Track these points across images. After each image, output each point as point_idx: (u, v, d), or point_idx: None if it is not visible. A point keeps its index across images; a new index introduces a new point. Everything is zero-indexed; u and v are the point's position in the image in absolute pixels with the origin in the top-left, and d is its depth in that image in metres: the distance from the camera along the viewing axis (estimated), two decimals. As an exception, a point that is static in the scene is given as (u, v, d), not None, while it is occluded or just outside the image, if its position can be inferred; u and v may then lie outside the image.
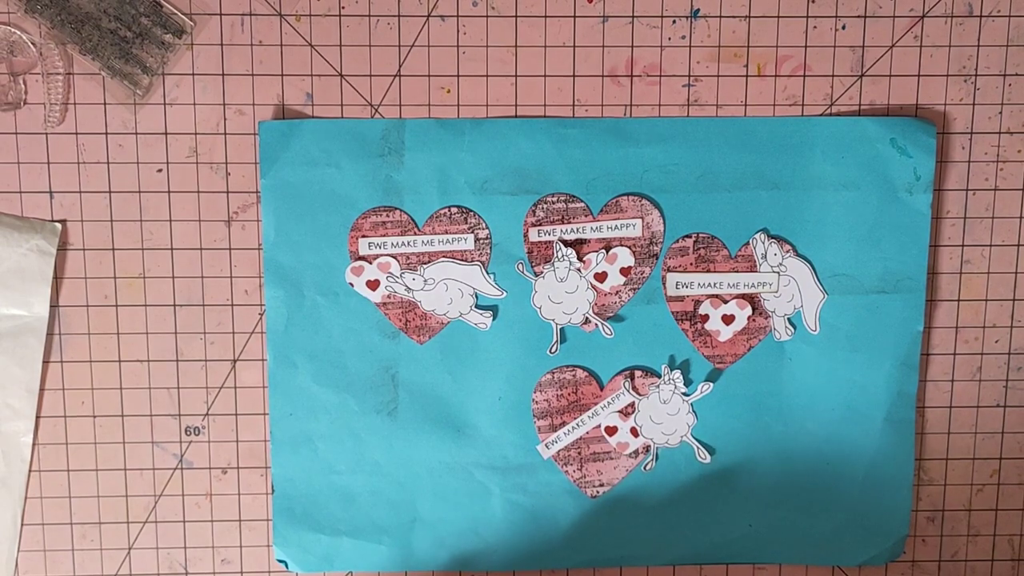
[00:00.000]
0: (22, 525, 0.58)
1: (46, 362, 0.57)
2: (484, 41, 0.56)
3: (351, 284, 0.57)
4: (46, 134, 0.55)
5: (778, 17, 0.56)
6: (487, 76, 0.56)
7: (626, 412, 0.58)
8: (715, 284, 0.57)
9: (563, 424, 0.58)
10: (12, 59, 0.55)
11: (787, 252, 0.57)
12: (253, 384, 0.58)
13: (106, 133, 0.56)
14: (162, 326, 0.57)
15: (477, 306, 0.57)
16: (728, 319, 0.57)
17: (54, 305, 0.57)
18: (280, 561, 0.59)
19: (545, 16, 0.56)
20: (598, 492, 0.59)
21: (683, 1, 0.56)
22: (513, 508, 0.59)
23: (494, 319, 0.57)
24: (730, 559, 0.60)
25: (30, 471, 0.58)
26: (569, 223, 0.56)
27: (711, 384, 0.58)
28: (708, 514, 0.60)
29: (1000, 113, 0.57)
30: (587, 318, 0.57)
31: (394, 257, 0.56)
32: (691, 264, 0.57)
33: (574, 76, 0.56)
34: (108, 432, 0.58)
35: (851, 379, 0.58)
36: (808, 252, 0.57)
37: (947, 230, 0.58)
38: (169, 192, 0.56)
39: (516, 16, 0.56)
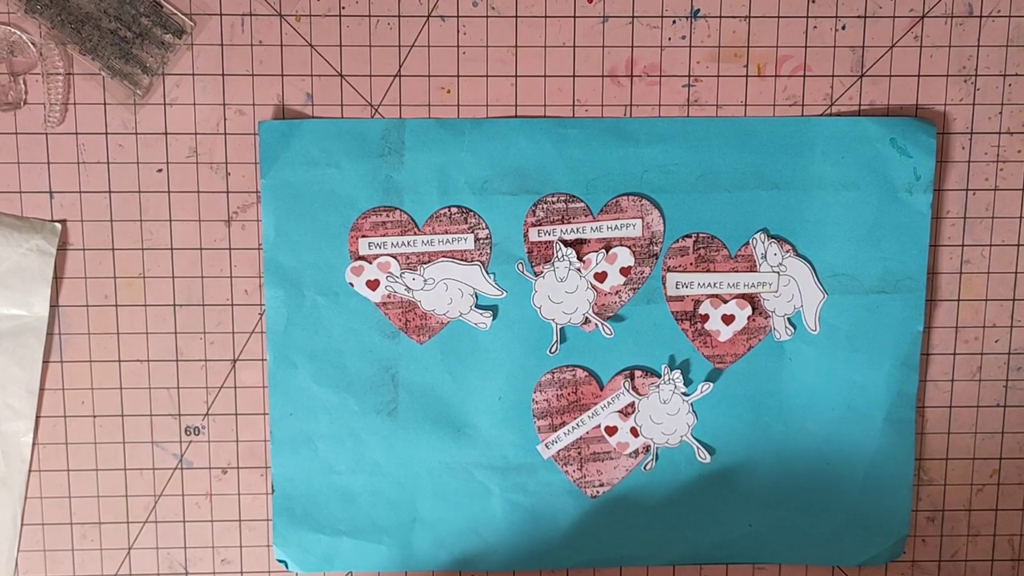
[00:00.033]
0: (22, 525, 0.58)
1: (46, 362, 0.57)
2: (484, 41, 0.56)
3: (351, 284, 0.57)
4: (46, 134, 0.55)
5: (778, 17, 0.56)
6: (487, 76, 0.56)
7: (626, 412, 0.58)
8: (715, 284, 0.57)
9: (563, 424, 0.58)
10: (12, 59, 0.55)
11: (787, 252, 0.57)
12: (253, 384, 0.58)
13: (106, 133, 0.56)
14: (162, 326, 0.57)
15: (477, 306, 0.57)
16: (728, 319, 0.57)
17: (54, 305, 0.57)
18: (280, 561, 0.59)
19: (545, 16, 0.56)
20: (598, 492, 0.59)
21: (683, 1, 0.56)
22: (513, 508, 0.59)
23: (494, 319, 0.57)
24: (730, 559, 0.60)
25: (30, 471, 0.58)
26: (569, 223, 0.56)
27: (711, 384, 0.58)
28: (708, 514, 0.60)
29: (1000, 113, 0.57)
30: (587, 318, 0.57)
31: (394, 257, 0.56)
32: (691, 264, 0.57)
33: (574, 76, 0.56)
34: (108, 432, 0.58)
35: (851, 379, 0.58)
36: (808, 252, 0.57)
37: (947, 230, 0.58)
38: (169, 192, 0.56)
39: (516, 16, 0.56)
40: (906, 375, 0.58)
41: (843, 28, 0.56)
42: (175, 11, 0.54)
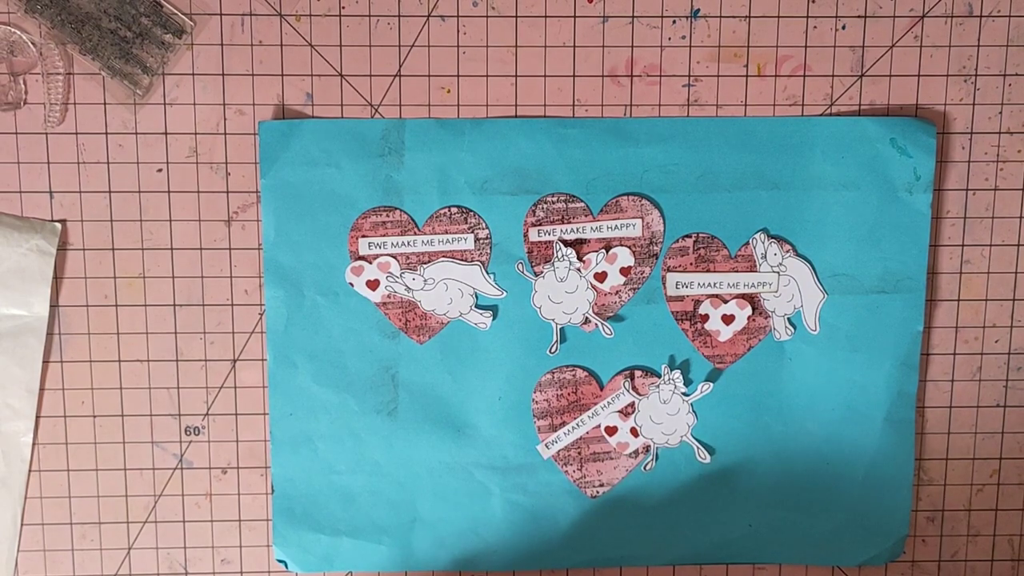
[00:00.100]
0: (22, 525, 0.58)
1: (46, 362, 0.57)
2: (484, 41, 0.56)
3: (351, 284, 0.57)
4: (46, 134, 0.55)
5: (778, 17, 0.56)
6: (487, 76, 0.56)
7: (626, 412, 0.58)
8: (715, 284, 0.57)
9: (563, 424, 0.58)
10: (12, 59, 0.55)
11: (787, 252, 0.57)
12: (253, 384, 0.58)
13: (106, 133, 0.56)
14: (162, 326, 0.57)
15: (477, 306, 0.57)
16: (728, 319, 0.57)
17: (54, 305, 0.57)
18: (280, 561, 0.59)
19: (545, 16, 0.56)
20: (598, 492, 0.59)
21: (683, 1, 0.56)
22: (513, 508, 0.59)
23: (494, 319, 0.57)
24: (730, 559, 0.60)
25: (30, 471, 0.58)
26: (569, 223, 0.56)
27: (711, 384, 0.58)
28: (708, 514, 0.60)
29: (1000, 113, 0.57)
30: (587, 318, 0.57)
31: (394, 257, 0.56)
32: (691, 264, 0.57)
33: (574, 76, 0.56)
34: (108, 432, 0.58)
35: (851, 379, 0.58)
36: (808, 252, 0.57)
37: (947, 230, 0.58)
38: (169, 192, 0.56)
39: (516, 16, 0.56)
40: (906, 375, 0.58)
41: (843, 28, 0.56)
42: (175, 11, 0.54)
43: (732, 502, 0.59)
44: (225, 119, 0.56)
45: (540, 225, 0.56)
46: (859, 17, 0.56)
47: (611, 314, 0.57)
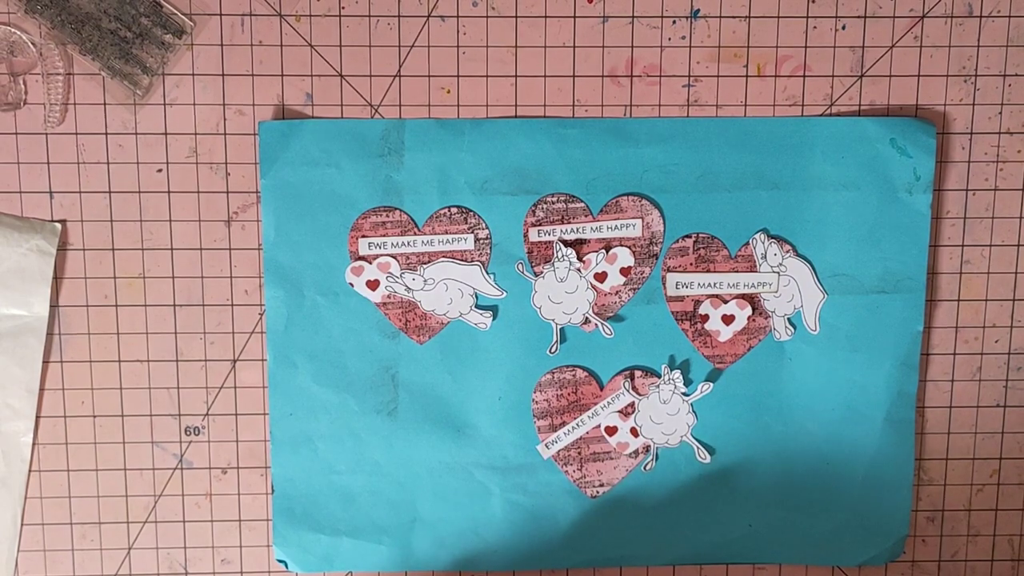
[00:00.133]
0: (22, 525, 0.58)
1: (46, 362, 0.57)
2: (484, 41, 0.56)
3: (351, 284, 0.57)
4: (46, 134, 0.55)
5: (778, 17, 0.56)
6: (487, 76, 0.56)
7: (626, 412, 0.58)
8: (715, 284, 0.57)
9: (563, 424, 0.58)
10: (12, 59, 0.55)
11: (787, 252, 0.57)
12: (253, 384, 0.58)
13: (106, 133, 0.56)
14: (162, 326, 0.57)
15: (477, 306, 0.57)
16: (728, 319, 0.57)
17: (54, 305, 0.57)
18: (280, 561, 0.59)
19: (545, 16, 0.56)
20: (598, 492, 0.59)
21: (683, 1, 0.56)
22: (513, 508, 0.59)
23: (494, 319, 0.57)
24: (730, 559, 0.60)
25: (30, 471, 0.58)
26: (569, 223, 0.56)
27: (711, 384, 0.58)
28: (708, 514, 0.60)
29: (1000, 113, 0.57)
30: (587, 318, 0.57)
31: (394, 257, 0.56)
32: (691, 264, 0.57)
33: (574, 76, 0.56)
34: (108, 432, 0.58)
35: (851, 379, 0.58)
36: (808, 252, 0.57)
37: (947, 230, 0.58)
38: (169, 192, 0.56)
39: (516, 16, 0.56)
40: (906, 375, 0.58)
41: (843, 28, 0.56)
42: (175, 11, 0.54)
43: (732, 502, 0.59)
44: (225, 119, 0.56)
45: (540, 225, 0.56)
46: (859, 17, 0.56)
47: (611, 314, 0.57)
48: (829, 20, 0.56)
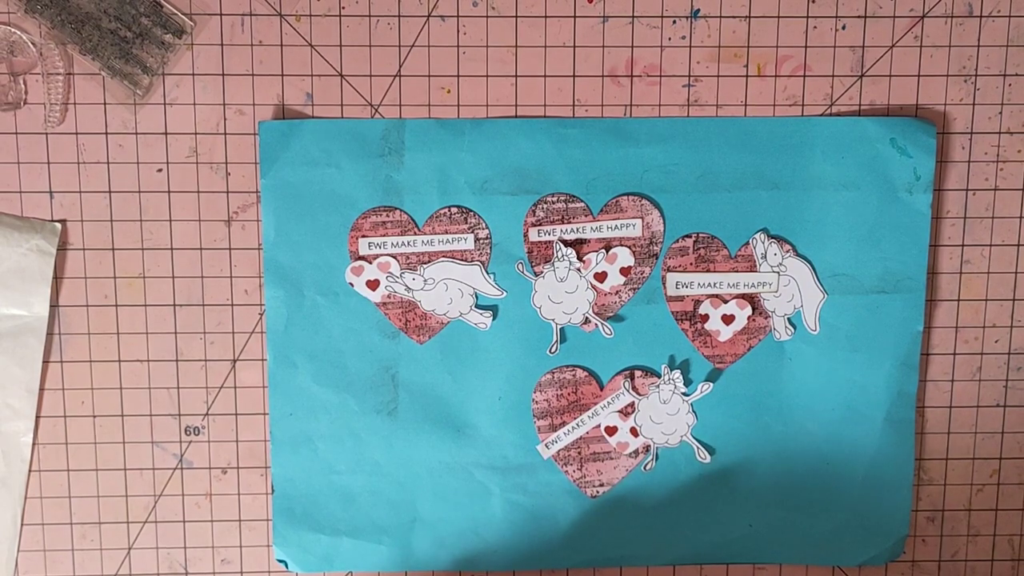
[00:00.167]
0: (22, 525, 0.58)
1: (46, 362, 0.57)
2: (484, 41, 0.56)
3: (351, 284, 0.57)
4: (46, 134, 0.55)
5: (778, 17, 0.56)
6: (487, 76, 0.56)
7: (626, 412, 0.58)
8: (715, 284, 0.57)
9: (563, 424, 0.58)
10: (12, 59, 0.55)
11: (787, 252, 0.57)
12: (253, 384, 0.58)
13: (106, 133, 0.56)
14: (162, 326, 0.57)
15: (477, 306, 0.57)
16: (728, 319, 0.57)
17: (54, 305, 0.57)
18: (280, 561, 0.59)
19: (545, 16, 0.56)
20: (598, 492, 0.59)
21: (683, 1, 0.56)
22: (513, 508, 0.59)
23: (494, 319, 0.57)
24: (730, 559, 0.60)
25: (30, 471, 0.58)
26: (569, 223, 0.56)
27: (711, 384, 0.58)
28: (708, 514, 0.60)
29: (1000, 113, 0.57)
30: (587, 318, 0.57)
31: (394, 257, 0.56)
32: (691, 264, 0.57)
33: (574, 76, 0.56)
34: (108, 432, 0.58)
35: (851, 379, 0.58)
36: (808, 252, 0.57)
37: (947, 230, 0.58)
38: (169, 192, 0.56)
39: (516, 16, 0.56)
40: (906, 375, 0.58)
41: (843, 28, 0.56)
42: (175, 11, 0.54)
43: (732, 502, 0.59)
44: (225, 119, 0.56)
45: (540, 225, 0.56)
46: (859, 17, 0.56)
47: (611, 314, 0.57)
48: (829, 20, 0.56)
